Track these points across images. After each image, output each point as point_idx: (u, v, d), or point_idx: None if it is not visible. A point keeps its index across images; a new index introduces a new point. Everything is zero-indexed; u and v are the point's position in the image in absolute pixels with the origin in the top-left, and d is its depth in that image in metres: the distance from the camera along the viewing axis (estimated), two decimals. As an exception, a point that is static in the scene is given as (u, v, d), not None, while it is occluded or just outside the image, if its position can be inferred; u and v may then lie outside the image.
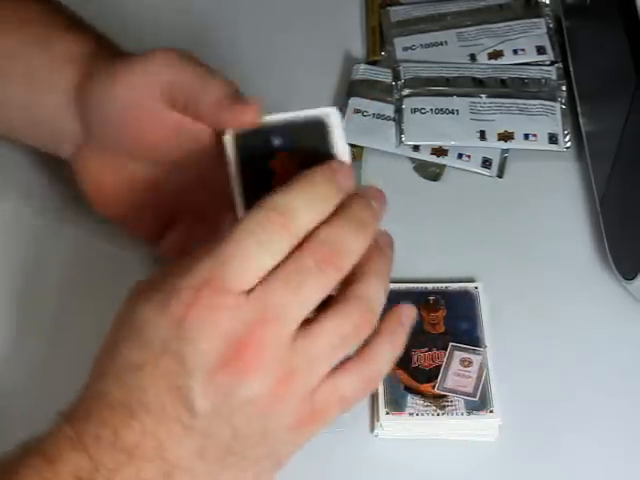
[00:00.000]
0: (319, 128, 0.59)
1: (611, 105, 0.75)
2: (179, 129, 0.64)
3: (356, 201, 0.56)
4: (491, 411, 0.69)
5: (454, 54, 0.88)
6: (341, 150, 0.59)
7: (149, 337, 0.52)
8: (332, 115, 0.59)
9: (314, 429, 0.56)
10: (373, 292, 0.55)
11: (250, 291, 0.52)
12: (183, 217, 0.70)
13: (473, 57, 0.87)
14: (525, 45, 0.88)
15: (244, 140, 0.59)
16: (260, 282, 0.52)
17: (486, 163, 0.82)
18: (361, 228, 0.54)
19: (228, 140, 0.60)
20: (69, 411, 0.54)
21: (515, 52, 0.88)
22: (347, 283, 0.54)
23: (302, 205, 0.53)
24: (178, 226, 0.70)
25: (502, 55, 0.88)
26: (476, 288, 0.74)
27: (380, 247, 0.57)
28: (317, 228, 0.53)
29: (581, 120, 0.83)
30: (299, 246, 0.53)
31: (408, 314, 0.58)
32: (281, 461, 0.57)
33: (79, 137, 0.69)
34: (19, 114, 0.70)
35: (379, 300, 0.55)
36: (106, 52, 0.68)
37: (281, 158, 0.58)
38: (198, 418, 0.52)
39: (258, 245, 0.52)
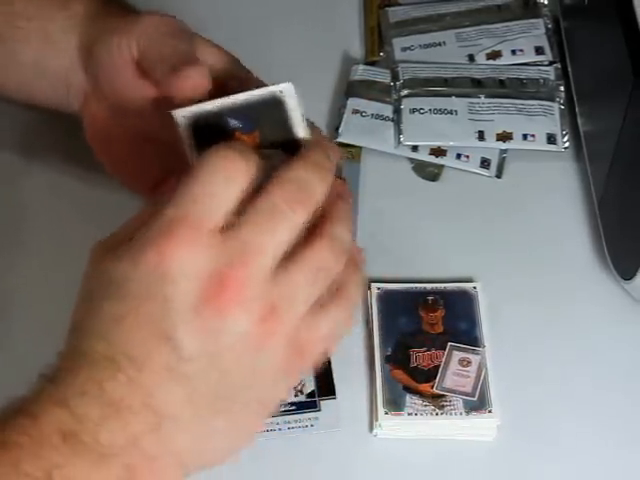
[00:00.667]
0: (275, 105, 0.58)
1: (609, 105, 0.75)
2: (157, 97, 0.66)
3: (314, 148, 0.56)
4: (489, 411, 0.69)
5: (453, 54, 0.88)
6: (298, 125, 0.58)
7: (129, 289, 0.51)
8: (286, 90, 0.59)
9: (300, 368, 0.55)
10: (340, 232, 0.55)
11: (224, 229, 0.51)
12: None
13: (472, 57, 0.88)
14: (524, 45, 0.88)
15: (199, 122, 0.58)
16: (233, 220, 0.51)
17: (485, 163, 0.82)
18: (322, 171, 0.54)
19: (179, 118, 0.58)
20: (51, 371, 0.52)
21: (513, 52, 0.88)
22: (313, 227, 0.54)
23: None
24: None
25: (500, 55, 0.88)
26: (474, 288, 0.74)
27: (339, 194, 0.57)
28: (280, 170, 0.53)
29: (579, 120, 0.83)
30: (265, 186, 0.53)
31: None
32: (270, 406, 0.55)
33: (86, 89, 0.71)
34: (34, 73, 0.72)
35: (347, 240, 0.55)
36: (109, 9, 0.70)
37: (239, 139, 0.57)
38: (185, 360, 0.51)
39: (226, 182, 0.51)
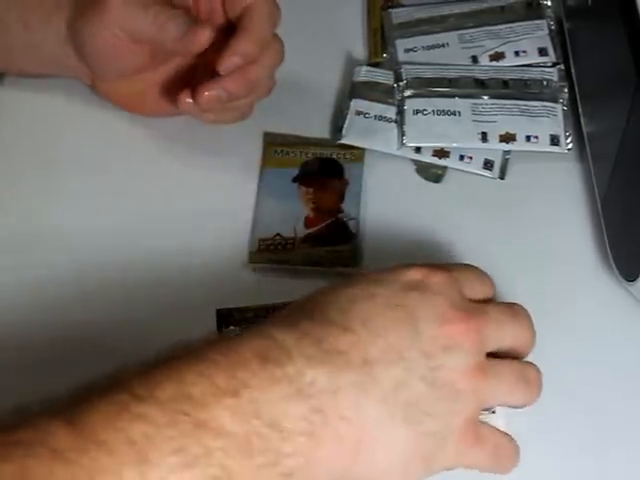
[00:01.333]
0: None
1: (612, 106, 0.75)
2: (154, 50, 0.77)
3: None
4: (493, 412, 0.69)
5: (456, 56, 0.88)
6: None
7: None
8: None
9: (477, 451, 0.60)
10: None
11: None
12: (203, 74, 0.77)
13: (475, 59, 0.87)
14: (527, 47, 0.88)
15: None
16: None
17: (488, 165, 0.82)
18: None
19: None
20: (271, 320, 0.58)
21: (517, 54, 0.88)
22: None
23: None
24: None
25: (504, 57, 0.87)
26: None
27: None
28: None
29: (582, 121, 0.83)
30: None
31: None
32: (434, 460, 0.58)
33: (83, 70, 0.80)
34: (25, 57, 0.80)
35: None
36: None
37: None
38: (410, 351, 0.57)
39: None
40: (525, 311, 0.65)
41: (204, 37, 0.73)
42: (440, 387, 0.57)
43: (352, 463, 0.55)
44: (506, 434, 0.63)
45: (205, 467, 0.49)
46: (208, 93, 0.74)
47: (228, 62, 0.74)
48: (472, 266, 0.66)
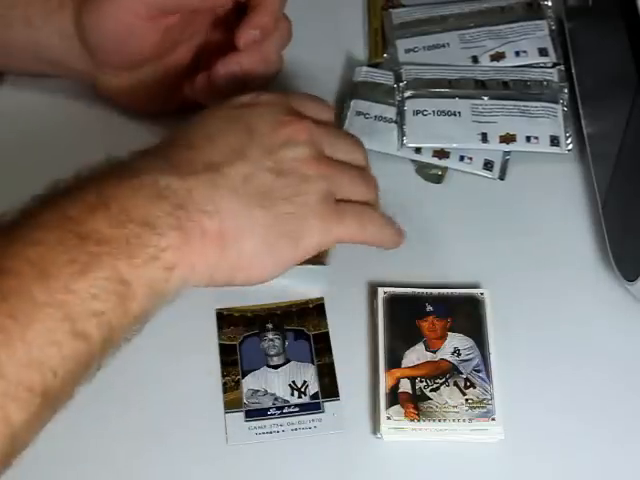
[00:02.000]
0: None
1: (613, 107, 0.75)
2: (168, 27, 0.78)
3: None
4: (493, 419, 0.69)
5: (456, 56, 0.88)
6: None
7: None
8: None
9: (334, 225, 0.67)
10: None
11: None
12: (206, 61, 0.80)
13: (475, 59, 0.87)
14: (527, 47, 0.88)
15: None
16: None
17: (488, 165, 0.82)
18: None
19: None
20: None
21: (517, 54, 0.88)
22: None
23: None
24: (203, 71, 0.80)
25: (504, 57, 0.87)
26: (482, 294, 0.74)
27: None
28: None
29: (583, 122, 0.82)
30: None
31: None
32: (301, 240, 0.65)
33: (84, 68, 0.80)
34: (26, 55, 0.80)
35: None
36: None
37: None
38: (251, 150, 0.65)
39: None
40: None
41: None
42: (287, 175, 0.65)
43: (221, 254, 0.62)
44: (372, 210, 0.71)
45: (97, 271, 0.56)
46: (225, 69, 0.76)
47: (247, 35, 0.76)
48: (308, 94, 0.74)
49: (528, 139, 0.83)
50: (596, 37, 0.80)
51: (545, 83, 0.86)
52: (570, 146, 0.83)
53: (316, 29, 0.90)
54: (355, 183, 0.70)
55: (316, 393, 0.71)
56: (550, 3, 0.90)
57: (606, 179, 0.75)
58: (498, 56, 0.88)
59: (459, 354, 0.71)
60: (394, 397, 0.70)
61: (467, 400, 0.69)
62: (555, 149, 0.82)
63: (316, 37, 0.89)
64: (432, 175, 0.82)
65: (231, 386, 0.72)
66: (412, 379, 0.70)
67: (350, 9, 0.92)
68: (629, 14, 0.70)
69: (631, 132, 0.70)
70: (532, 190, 0.81)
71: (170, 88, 0.80)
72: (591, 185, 0.79)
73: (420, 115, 0.83)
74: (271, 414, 0.70)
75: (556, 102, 0.84)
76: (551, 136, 0.83)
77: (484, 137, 0.82)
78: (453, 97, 0.84)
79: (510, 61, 0.87)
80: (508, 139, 0.83)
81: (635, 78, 0.68)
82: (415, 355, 0.72)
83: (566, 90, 0.85)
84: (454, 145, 0.82)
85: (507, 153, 0.83)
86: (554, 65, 0.87)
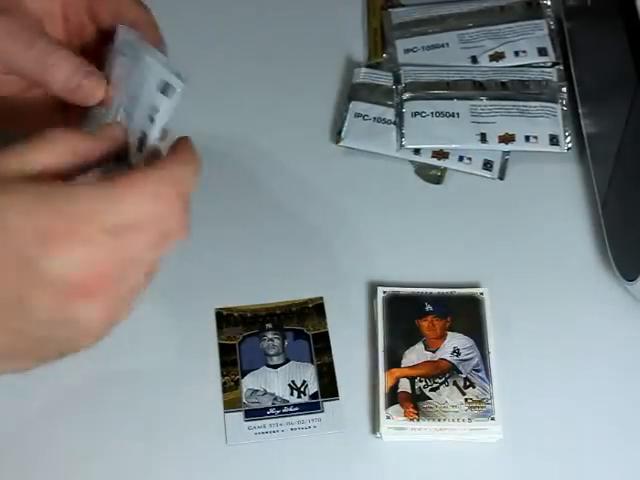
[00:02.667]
0: None
1: (612, 106, 0.75)
2: None
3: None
4: (492, 419, 0.69)
5: (455, 56, 0.88)
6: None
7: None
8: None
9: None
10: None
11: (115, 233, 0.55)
12: None
13: (474, 59, 0.87)
14: (526, 47, 0.88)
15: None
16: (132, 230, 0.56)
17: (487, 165, 0.82)
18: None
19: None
20: None
21: (516, 54, 0.88)
22: None
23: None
24: None
25: (503, 57, 0.87)
26: (482, 294, 0.74)
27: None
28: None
29: (582, 122, 0.83)
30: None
31: None
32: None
33: None
34: None
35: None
36: None
37: None
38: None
39: (153, 201, 0.56)
40: None
41: (99, 91, 0.64)
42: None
43: None
44: None
45: None
46: None
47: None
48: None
49: (527, 139, 0.83)
50: (595, 37, 0.80)
51: (544, 83, 0.86)
52: (569, 145, 0.83)
53: (315, 29, 0.90)
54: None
55: (315, 393, 0.71)
56: (549, 3, 0.90)
57: (606, 179, 0.75)
58: (497, 56, 0.88)
59: (459, 354, 0.71)
60: (394, 397, 0.70)
61: (466, 400, 0.69)
62: (554, 148, 0.82)
63: (315, 37, 0.90)
64: (431, 176, 0.82)
65: (230, 386, 0.72)
66: (412, 379, 0.70)
67: (349, 9, 0.92)
68: (628, 14, 0.70)
69: (630, 132, 0.70)
70: (532, 190, 0.81)
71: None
72: (591, 185, 0.80)
73: (419, 117, 0.83)
74: (270, 414, 0.70)
75: (555, 102, 0.84)
76: (550, 135, 0.83)
77: (483, 137, 0.82)
78: (451, 98, 0.84)
79: (509, 61, 0.87)
80: (507, 139, 0.83)
81: (634, 78, 0.68)
82: (415, 355, 0.72)
83: (565, 89, 0.85)
84: (453, 146, 0.82)
85: (506, 153, 0.83)
86: (553, 65, 0.87)
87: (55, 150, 0.57)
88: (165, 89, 0.59)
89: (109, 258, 0.55)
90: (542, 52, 0.88)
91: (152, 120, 0.59)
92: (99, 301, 0.56)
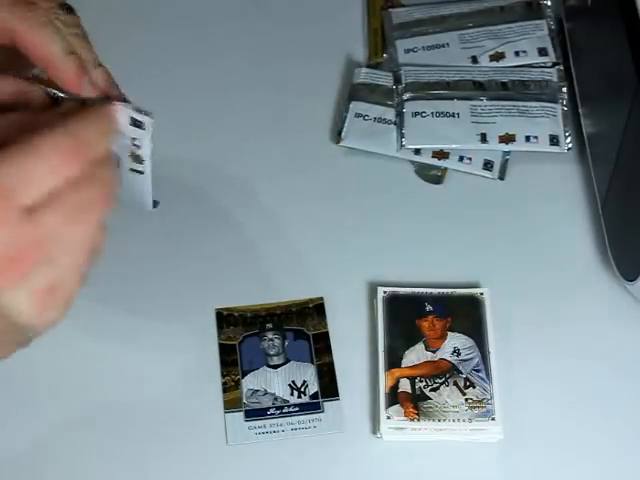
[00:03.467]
0: None
1: (612, 107, 0.75)
2: None
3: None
4: (493, 419, 0.69)
5: (456, 56, 0.88)
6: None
7: None
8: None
9: None
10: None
11: (31, 210, 0.51)
12: None
13: (475, 59, 0.87)
14: (526, 47, 0.88)
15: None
16: (44, 206, 0.51)
17: (487, 165, 0.82)
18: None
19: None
20: None
21: (517, 54, 0.88)
22: None
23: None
24: None
25: (504, 57, 0.87)
26: (482, 294, 0.74)
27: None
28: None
29: (583, 122, 0.82)
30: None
31: None
32: None
33: None
34: None
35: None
36: None
37: None
38: None
39: (53, 170, 0.51)
40: None
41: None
42: None
43: None
44: None
45: None
46: None
47: None
48: None
49: (527, 139, 0.83)
50: (595, 37, 0.80)
51: (544, 83, 0.86)
52: (570, 145, 0.83)
53: (316, 30, 0.90)
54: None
55: (316, 393, 0.71)
56: (549, 3, 0.90)
57: (606, 179, 0.75)
58: (498, 56, 0.88)
59: (459, 354, 0.71)
60: (394, 397, 0.70)
61: (467, 400, 0.69)
62: (555, 148, 0.82)
63: (316, 38, 0.90)
64: (432, 176, 0.82)
65: (231, 386, 0.72)
66: (412, 379, 0.70)
67: (350, 10, 0.92)
68: (628, 14, 0.70)
69: (631, 132, 0.70)
70: (532, 190, 0.81)
71: None
72: (591, 185, 0.80)
73: (419, 117, 0.83)
74: (271, 414, 0.71)
75: (555, 102, 0.84)
76: (550, 135, 0.83)
77: (483, 137, 0.82)
78: (452, 98, 0.84)
79: (510, 61, 0.87)
80: (507, 139, 0.83)
81: (634, 78, 0.68)
82: (415, 355, 0.72)
83: (565, 90, 0.85)
84: (453, 146, 0.82)
85: (507, 153, 0.83)
86: (553, 65, 0.87)
87: None
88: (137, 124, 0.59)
89: (21, 239, 0.50)
90: (542, 52, 0.88)
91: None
92: (22, 287, 0.51)
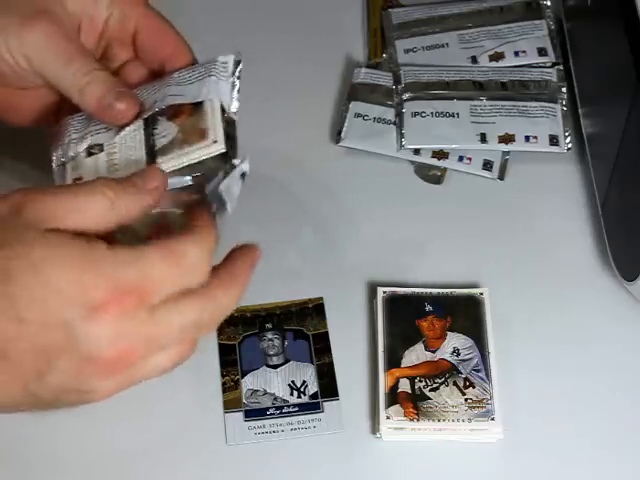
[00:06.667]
0: None
1: (612, 107, 0.75)
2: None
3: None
4: (492, 419, 0.69)
5: (455, 56, 0.88)
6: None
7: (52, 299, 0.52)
8: None
9: None
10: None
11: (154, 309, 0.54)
12: None
13: (474, 59, 0.87)
14: (526, 47, 0.88)
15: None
16: (167, 307, 0.54)
17: (487, 165, 0.82)
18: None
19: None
20: None
21: (516, 54, 0.88)
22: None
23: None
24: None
25: (503, 57, 0.87)
26: (481, 294, 0.74)
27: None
28: None
29: (582, 122, 0.83)
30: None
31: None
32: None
33: None
34: None
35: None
36: None
37: None
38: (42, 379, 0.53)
39: (185, 282, 0.55)
40: None
41: (130, 112, 0.64)
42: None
43: None
44: None
45: None
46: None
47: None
48: None
49: (527, 139, 0.83)
50: (595, 37, 0.80)
51: (544, 83, 0.86)
52: (569, 145, 0.83)
53: (315, 30, 0.90)
54: None
55: (315, 393, 0.71)
56: (549, 3, 0.90)
57: (606, 178, 0.75)
58: (497, 56, 0.88)
59: (458, 354, 0.71)
60: (393, 397, 0.70)
61: (466, 400, 0.69)
62: (554, 148, 0.82)
63: (315, 37, 0.90)
64: (431, 176, 0.82)
65: (230, 386, 0.72)
66: (411, 379, 0.70)
67: (349, 9, 0.92)
68: (628, 14, 0.70)
69: (630, 132, 0.70)
70: (532, 190, 0.81)
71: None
72: (590, 185, 0.80)
73: (419, 117, 0.83)
74: (270, 414, 0.70)
75: (555, 102, 0.84)
76: (550, 135, 0.83)
77: (483, 137, 0.82)
78: (451, 99, 0.84)
79: (509, 61, 0.87)
80: (507, 139, 0.83)
81: (634, 77, 0.68)
82: (414, 355, 0.72)
83: (565, 89, 0.85)
84: (453, 146, 0.82)
85: (506, 153, 0.83)
86: (553, 65, 0.87)
87: (99, 204, 0.55)
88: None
89: (143, 337, 0.54)
90: (542, 52, 0.88)
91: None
92: (116, 379, 0.55)
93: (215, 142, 0.61)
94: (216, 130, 0.61)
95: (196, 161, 0.61)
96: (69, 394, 0.55)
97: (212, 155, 0.61)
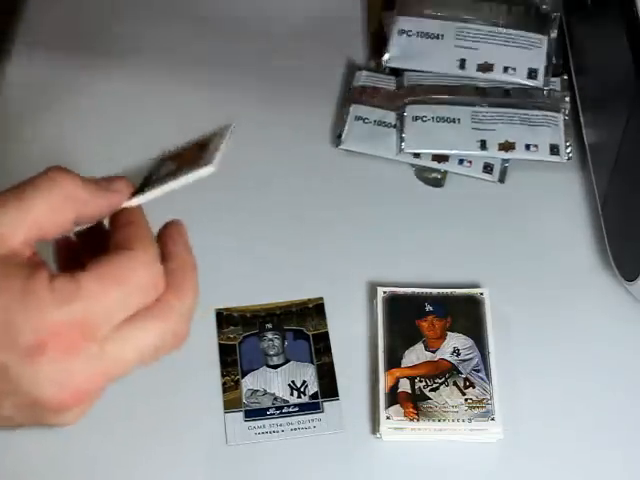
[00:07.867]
0: None
1: (613, 116, 0.75)
2: None
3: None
4: (492, 419, 0.69)
5: (453, 55, 0.87)
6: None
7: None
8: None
9: None
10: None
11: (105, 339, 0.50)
12: None
13: (462, 64, 0.86)
14: (517, 64, 0.86)
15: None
16: (121, 334, 0.51)
17: (487, 168, 0.82)
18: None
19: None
20: None
21: (505, 69, 0.86)
22: None
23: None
24: None
25: (492, 69, 0.86)
26: (481, 294, 0.74)
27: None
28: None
29: (584, 131, 0.82)
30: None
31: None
32: None
33: None
34: None
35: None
36: None
37: None
38: None
39: (133, 304, 0.51)
40: None
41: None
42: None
43: None
44: None
45: None
46: None
47: None
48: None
49: (527, 147, 0.83)
50: (596, 43, 0.80)
51: (547, 92, 0.85)
52: (570, 155, 0.82)
53: (316, 32, 0.91)
54: None
55: (315, 393, 0.71)
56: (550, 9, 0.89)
57: (605, 179, 0.75)
58: (486, 67, 0.86)
59: (458, 354, 0.71)
60: (393, 397, 0.70)
61: (466, 400, 0.69)
62: (554, 158, 0.82)
63: (316, 40, 0.90)
64: (431, 179, 0.83)
65: (230, 386, 0.72)
66: (411, 379, 0.70)
67: (350, 12, 0.93)
68: (630, 22, 0.70)
69: (629, 136, 0.71)
70: (532, 191, 0.82)
71: None
72: (591, 185, 0.80)
73: (420, 121, 0.83)
74: (270, 414, 0.70)
75: (557, 111, 0.84)
76: (551, 145, 0.83)
77: (483, 144, 0.82)
78: (453, 104, 0.84)
79: (497, 74, 0.86)
80: (507, 147, 0.83)
81: (634, 84, 0.68)
82: (414, 355, 0.72)
83: (567, 99, 0.85)
84: (453, 152, 0.82)
85: (506, 161, 0.83)
86: (554, 75, 0.86)
87: (51, 200, 0.51)
88: None
89: (98, 372, 0.50)
90: (532, 75, 0.86)
91: None
92: (77, 410, 0.51)
93: None
94: None
95: None
96: (30, 423, 0.52)
97: None
